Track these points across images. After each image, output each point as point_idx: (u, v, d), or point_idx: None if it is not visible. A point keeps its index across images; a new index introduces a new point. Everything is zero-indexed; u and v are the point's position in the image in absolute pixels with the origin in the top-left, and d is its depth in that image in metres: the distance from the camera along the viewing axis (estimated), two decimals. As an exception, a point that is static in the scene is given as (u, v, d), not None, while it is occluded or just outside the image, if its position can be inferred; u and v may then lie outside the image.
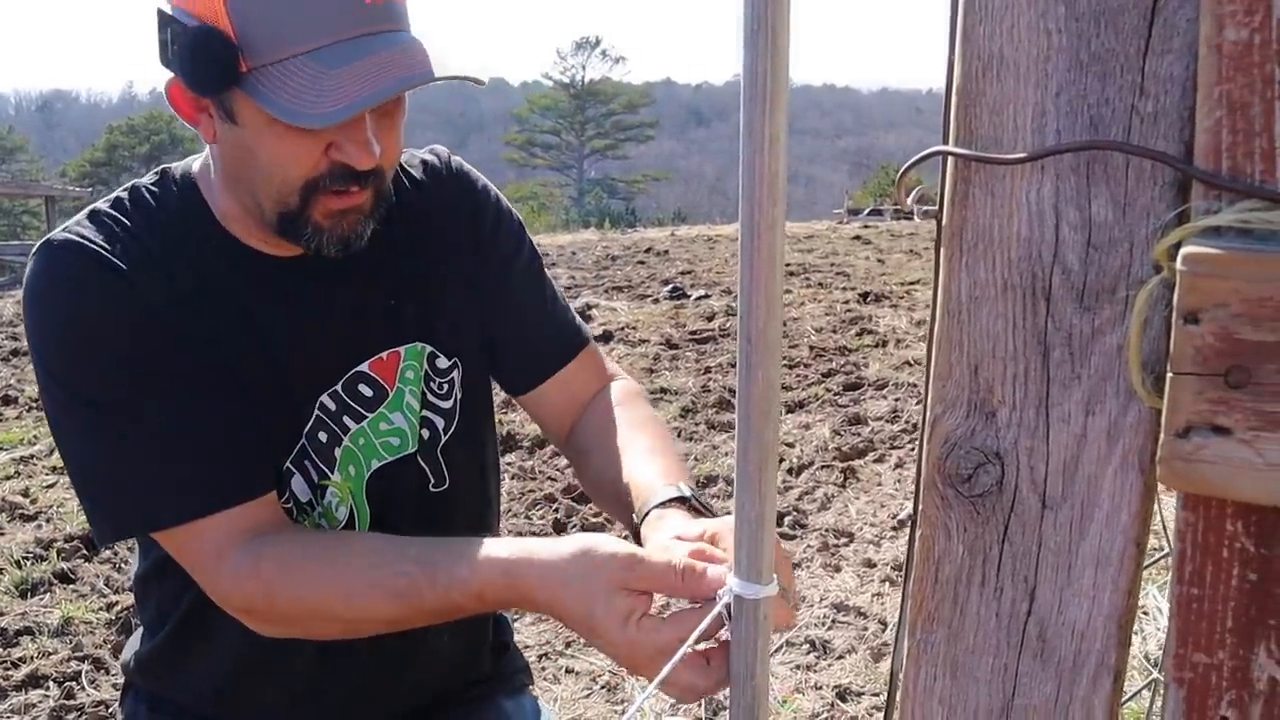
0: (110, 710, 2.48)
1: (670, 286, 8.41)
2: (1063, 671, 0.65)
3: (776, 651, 2.85)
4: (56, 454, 4.52)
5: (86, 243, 1.00)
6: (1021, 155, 0.60)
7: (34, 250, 1.01)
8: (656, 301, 7.98)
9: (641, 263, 10.41)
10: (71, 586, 3.16)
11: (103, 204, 1.06)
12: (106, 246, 1.01)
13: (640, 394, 1.29)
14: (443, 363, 1.18)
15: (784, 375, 4.82)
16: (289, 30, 0.90)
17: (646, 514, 1.02)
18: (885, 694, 2.59)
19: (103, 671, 2.70)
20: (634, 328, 6.89)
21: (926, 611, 0.69)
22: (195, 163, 1.11)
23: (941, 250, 0.65)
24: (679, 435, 4.73)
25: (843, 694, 2.63)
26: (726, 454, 4.44)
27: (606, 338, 6.61)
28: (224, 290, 1.06)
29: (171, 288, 1.02)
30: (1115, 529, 0.62)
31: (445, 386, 1.19)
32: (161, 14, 0.93)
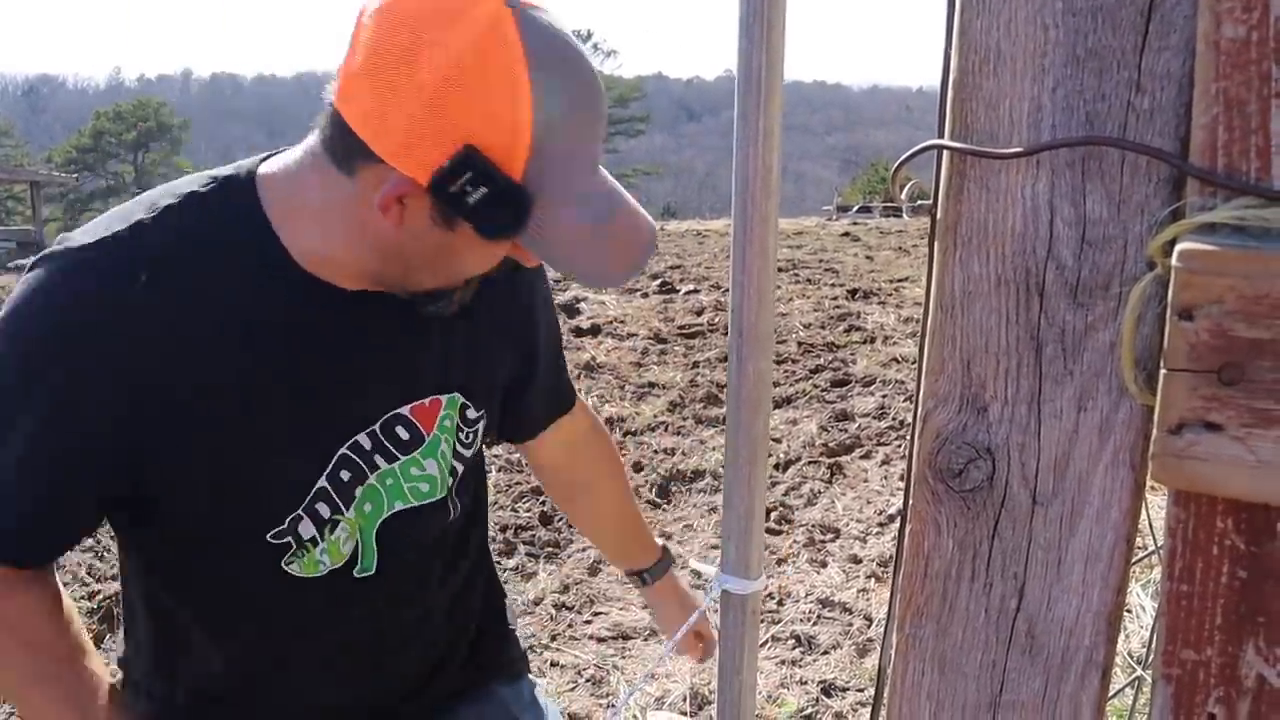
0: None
1: (659, 281, 8.40)
2: (1051, 667, 0.65)
3: (761, 647, 2.86)
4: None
5: (118, 264, 0.93)
6: (1017, 150, 0.60)
7: (50, 250, 0.95)
8: (645, 296, 7.97)
9: (630, 257, 10.38)
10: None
11: (145, 213, 0.96)
12: (134, 274, 0.92)
13: (607, 435, 1.49)
14: (472, 414, 1.18)
15: (772, 371, 4.84)
16: (566, 176, 0.89)
17: (655, 574, 1.55)
18: (870, 689, 2.59)
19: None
20: (622, 321, 6.88)
21: (915, 606, 0.69)
22: (268, 181, 0.99)
23: (935, 245, 0.65)
24: (666, 430, 4.73)
25: (828, 689, 2.63)
26: (714, 449, 4.44)
27: (595, 331, 6.60)
28: (279, 322, 0.99)
29: (208, 322, 0.95)
30: (1106, 525, 0.62)
31: (471, 436, 1.19)
32: (470, 151, 0.85)
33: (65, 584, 3.05)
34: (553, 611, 3.06)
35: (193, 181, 1.00)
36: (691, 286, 8.22)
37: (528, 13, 0.86)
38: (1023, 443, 0.64)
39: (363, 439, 1.07)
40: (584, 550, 3.46)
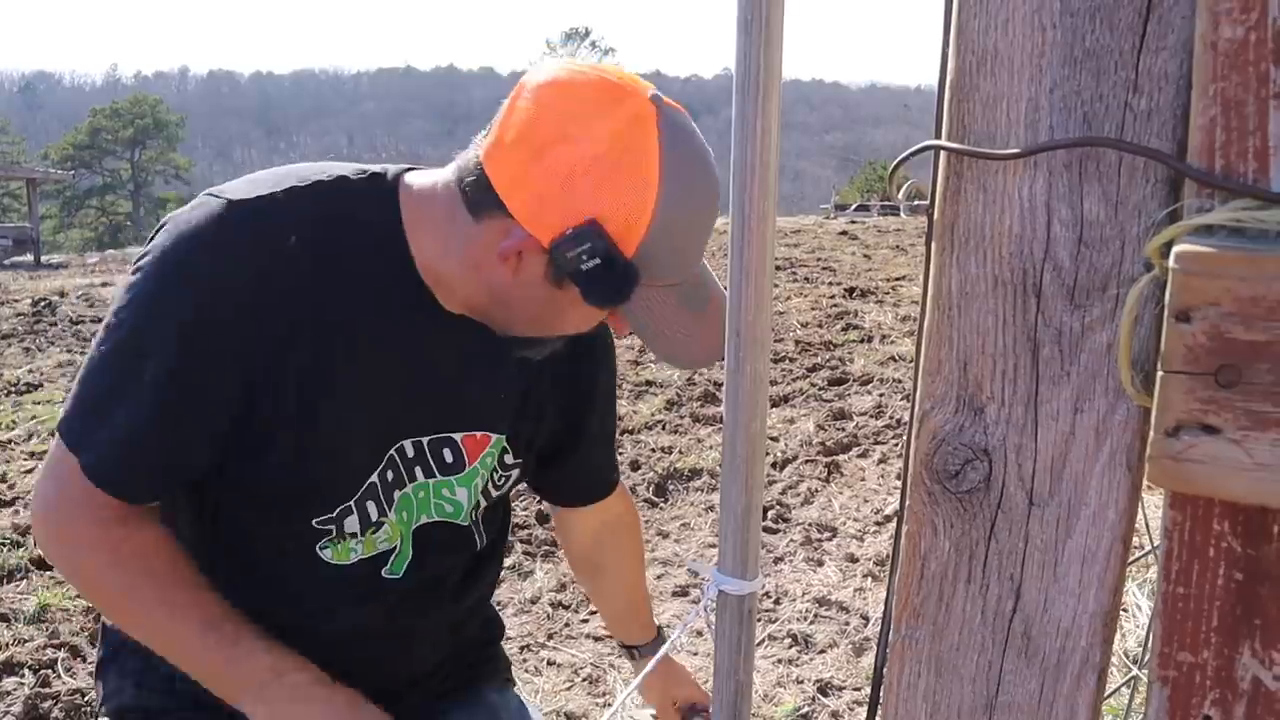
0: (87, 698, 2.47)
1: (656, 279, 8.40)
2: (1047, 669, 0.65)
3: (758, 646, 2.86)
4: (34, 439, 4.48)
5: (259, 209, 0.99)
6: (1014, 151, 0.60)
7: (204, 199, 1.01)
8: (642, 294, 7.97)
9: (628, 255, 10.39)
10: (48, 573, 3.13)
11: (298, 182, 1.03)
12: (279, 221, 1.00)
13: (638, 522, 1.54)
14: (510, 460, 1.23)
15: (769, 370, 4.83)
16: (675, 264, 0.99)
17: (646, 652, 1.51)
18: (867, 689, 2.60)
19: (79, 659, 2.68)
20: (620, 320, 6.88)
21: (911, 607, 0.69)
22: (413, 190, 1.07)
23: (932, 245, 0.65)
24: (663, 428, 4.73)
25: (824, 688, 2.63)
26: (711, 447, 4.44)
27: (592, 330, 6.60)
28: (387, 315, 1.05)
29: (335, 288, 1.01)
30: (1102, 527, 0.62)
31: (504, 480, 1.25)
32: (592, 225, 0.94)
33: (59, 582, 3.05)
34: (549, 610, 3.06)
35: (344, 168, 1.08)
36: (689, 285, 8.22)
37: (669, 114, 0.96)
38: (1019, 444, 0.64)
39: (408, 446, 1.12)
40: (581, 549, 3.46)
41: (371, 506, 1.11)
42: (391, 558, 1.17)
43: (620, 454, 4.35)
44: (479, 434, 1.16)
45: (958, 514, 0.66)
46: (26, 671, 2.59)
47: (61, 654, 2.67)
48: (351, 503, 1.10)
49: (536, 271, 0.98)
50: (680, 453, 4.37)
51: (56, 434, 1.04)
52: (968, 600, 0.67)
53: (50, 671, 2.58)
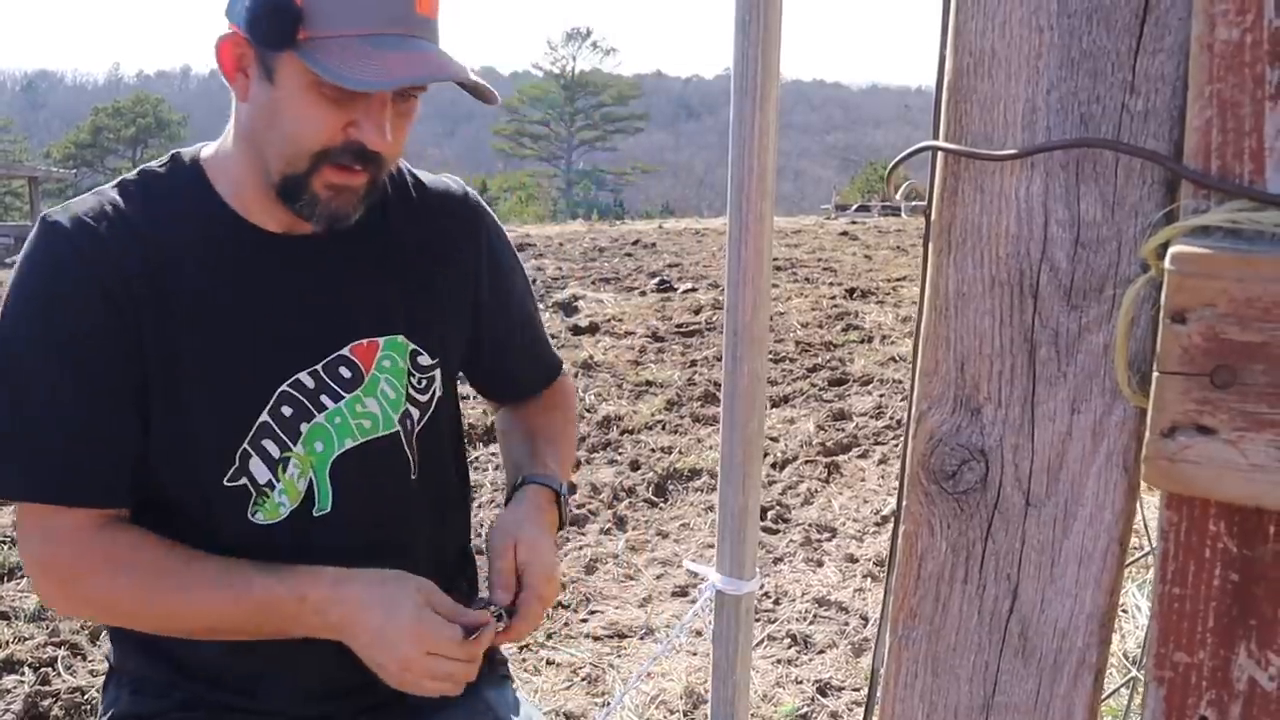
0: (87, 696, 2.47)
1: (657, 279, 8.40)
2: (1044, 669, 0.65)
3: (757, 646, 2.86)
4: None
5: (75, 221, 1.07)
6: (1012, 152, 0.60)
7: (40, 223, 1.09)
8: (643, 294, 7.97)
9: (629, 255, 10.40)
10: (49, 572, 3.13)
11: (109, 185, 1.14)
12: (95, 224, 1.07)
13: (571, 395, 1.50)
14: (425, 360, 1.25)
15: (769, 370, 4.83)
16: (350, 12, 1.01)
17: (518, 483, 1.27)
18: (866, 689, 2.60)
19: (79, 657, 2.68)
20: (620, 320, 6.88)
21: (909, 608, 0.69)
22: (207, 148, 1.18)
23: (930, 246, 0.65)
24: (663, 428, 4.73)
25: (823, 689, 2.64)
26: (711, 447, 4.44)
27: (593, 330, 6.60)
28: (216, 262, 1.12)
29: (161, 260, 1.09)
30: (1099, 527, 0.62)
31: (425, 382, 1.26)
32: None
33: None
34: (548, 610, 3.06)
35: (151, 164, 1.18)
36: (689, 285, 8.22)
37: None
38: (1016, 444, 0.64)
39: (304, 377, 1.15)
40: (580, 549, 3.46)
41: (270, 445, 1.14)
42: (316, 496, 1.17)
43: (620, 454, 4.35)
44: (365, 341, 1.19)
45: (955, 514, 0.66)
46: (27, 669, 2.59)
47: (62, 652, 2.67)
48: (246, 445, 1.12)
49: (253, 73, 1.05)
50: (680, 453, 4.37)
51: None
52: (965, 600, 0.67)
53: (50, 669, 2.59)
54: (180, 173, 1.16)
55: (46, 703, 2.43)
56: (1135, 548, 2.62)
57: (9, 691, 2.48)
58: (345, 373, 1.18)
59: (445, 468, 1.33)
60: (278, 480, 1.14)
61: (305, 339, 1.16)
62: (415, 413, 1.25)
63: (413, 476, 1.25)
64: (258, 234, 1.14)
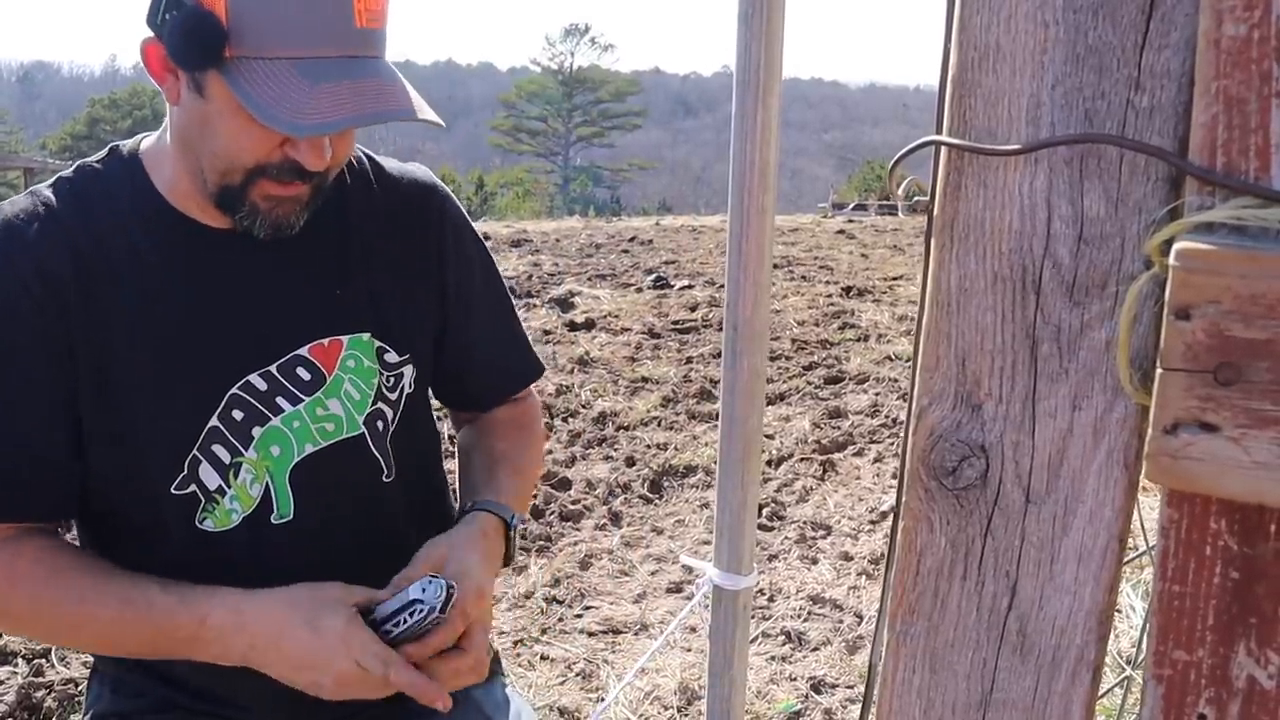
0: (80, 688, 2.46)
1: (654, 276, 8.40)
2: (1042, 667, 0.65)
3: (751, 643, 2.86)
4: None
5: (4, 224, 1.04)
6: (1016, 147, 0.60)
7: None
8: (640, 290, 7.97)
9: (625, 251, 10.40)
10: (43, 563, 3.12)
11: (45, 184, 1.09)
12: (24, 227, 1.03)
13: (539, 420, 1.41)
14: (393, 357, 1.19)
15: (766, 367, 4.83)
16: (280, 32, 0.94)
17: (468, 508, 1.18)
18: (860, 687, 2.60)
19: (72, 649, 2.68)
20: (616, 316, 6.88)
21: (907, 604, 0.69)
22: (146, 140, 1.13)
23: (932, 241, 0.65)
24: (659, 425, 4.73)
25: (817, 686, 2.64)
26: (707, 444, 4.44)
27: (589, 326, 6.59)
28: (158, 261, 1.07)
29: (96, 261, 1.04)
30: (1098, 525, 0.62)
31: (393, 380, 1.20)
32: None
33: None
34: (543, 605, 3.06)
35: (90, 159, 1.13)
36: (686, 282, 8.21)
37: None
38: (1017, 441, 0.63)
39: (256, 379, 1.10)
40: (575, 544, 3.46)
41: (220, 450, 1.09)
42: (275, 503, 1.13)
43: (616, 450, 4.35)
44: (326, 341, 1.14)
45: (954, 510, 0.66)
46: (20, 661, 2.58)
47: (54, 644, 2.67)
48: (195, 451, 1.08)
49: (183, 79, 0.99)
50: (676, 449, 4.37)
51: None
52: (963, 597, 0.67)
53: (44, 661, 2.58)
54: (118, 168, 1.10)
55: (40, 694, 2.42)
56: (1130, 548, 2.62)
57: (2, 683, 2.48)
58: (304, 374, 1.13)
59: (426, 468, 1.29)
60: (229, 486, 1.10)
61: (256, 339, 1.10)
62: (388, 412, 1.19)
63: (386, 479, 1.20)
64: (202, 231, 1.09)
